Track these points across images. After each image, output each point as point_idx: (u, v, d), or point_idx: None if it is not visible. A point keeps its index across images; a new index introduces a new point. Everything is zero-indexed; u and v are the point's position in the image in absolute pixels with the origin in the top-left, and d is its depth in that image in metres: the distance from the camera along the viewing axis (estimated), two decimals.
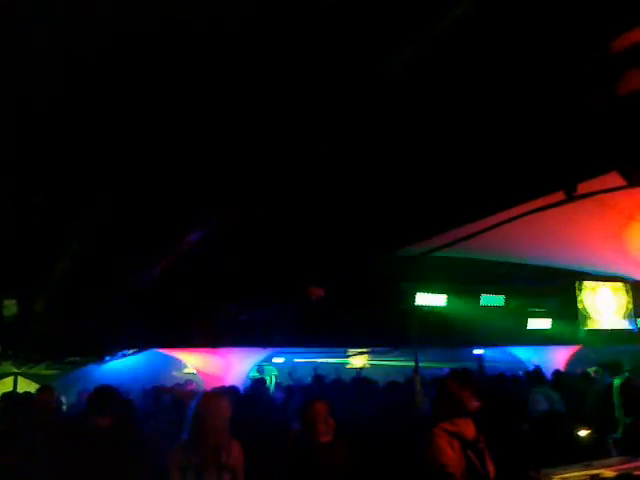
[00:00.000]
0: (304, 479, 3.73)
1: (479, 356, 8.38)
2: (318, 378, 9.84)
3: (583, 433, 4.17)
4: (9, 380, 17.12)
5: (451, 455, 3.54)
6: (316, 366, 15.09)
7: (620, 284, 9.18)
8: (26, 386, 16.43)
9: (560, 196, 3.55)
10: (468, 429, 3.69)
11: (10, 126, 3.47)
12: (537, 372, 8.02)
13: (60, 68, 2.84)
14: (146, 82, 3.06)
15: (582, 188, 3.48)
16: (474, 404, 3.77)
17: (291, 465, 3.80)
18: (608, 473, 3.36)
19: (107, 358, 12.74)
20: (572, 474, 3.41)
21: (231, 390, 6.91)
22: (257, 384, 8.80)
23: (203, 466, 3.33)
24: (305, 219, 5.07)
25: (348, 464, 3.77)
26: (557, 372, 8.89)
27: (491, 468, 3.69)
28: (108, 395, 4.04)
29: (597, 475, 3.35)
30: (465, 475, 3.55)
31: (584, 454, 3.87)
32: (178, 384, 7.81)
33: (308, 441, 3.78)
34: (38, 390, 6.54)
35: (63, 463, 3.62)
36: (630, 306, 9.10)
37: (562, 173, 3.47)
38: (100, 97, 3.19)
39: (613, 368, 7.15)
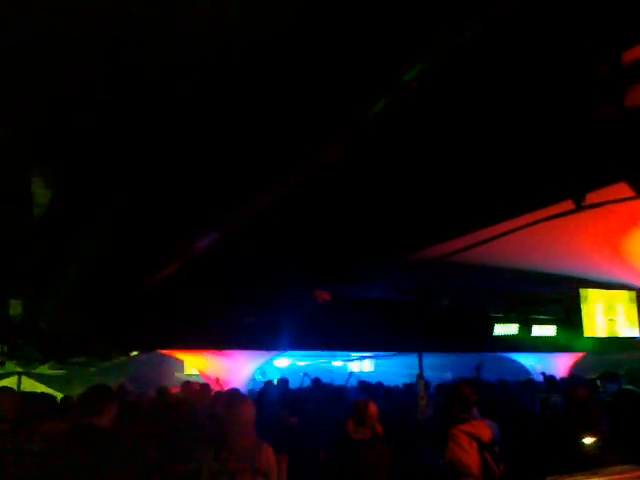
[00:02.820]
0: (351, 472, 4.00)
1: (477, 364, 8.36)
2: (316, 381, 9.87)
3: (589, 440, 4.19)
4: (13, 379, 17.20)
5: (472, 455, 3.67)
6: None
7: (624, 292, 9.18)
8: (29, 386, 16.51)
9: (569, 205, 3.59)
10: (484, 432, 3.80)
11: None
12: (547, 379, 8.08)
13: None
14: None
15: (591, 198, 3.52)
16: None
17: (340, 458, 4.09)
18: None
19: (112, 359, 12.77)
20: None
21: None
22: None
23: (237, 470, 3.34)
24: (314, 222, 5.11)
25: (391, 460, 4.08)
26: (567, 379, 8.97)
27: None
28: (104, 394, 3.96)
29: None
30: (482, 475, 3.66)
31: (590, 461, 3.88)
32: (187, 382, 7.78)
33: (357, 438, 4.08)
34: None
35: (60, 464, 3.47)
36: (635, 314, 9.09)
37: (571, 183, 3.51)
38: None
39: (609, 377, 7.25)
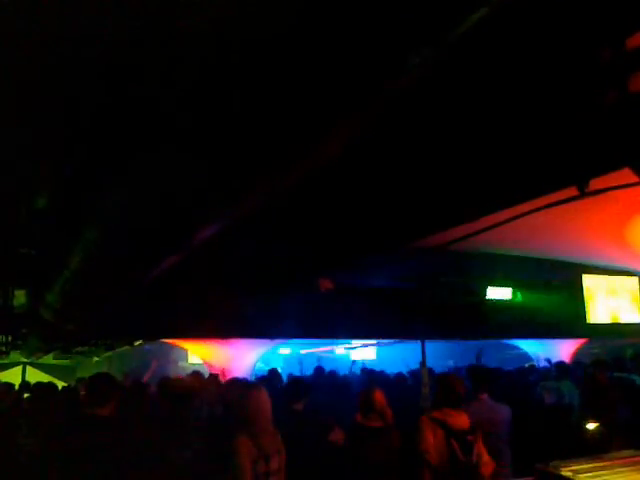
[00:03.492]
0: (364, 459, 4.10)
1: (478, 349, 8.39)
2: (319, 370, 9.91)
3: (592, 426, 4.21)
4: (17, 369, 17.31)
5: (431, 442, 3.65)
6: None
7: (627, 277, 9.20)
8: (34, 375, 16.62)
9: (572, 191, 3.58)
10: (456, 420, 3.77)
11: None
12: (558, 366, 8.15)
13: None
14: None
15: (594, 184, 3.51)
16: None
17: (352, 447, 4.18)
18: (617, 465, 3.39)
19: (115, 348, 12.82)
20: (580, 466, 3.45)
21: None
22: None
23: (271, 454, 3.54)
24: (316, 211, 5.11)
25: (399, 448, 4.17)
26: (575, 364, 9.07)
27: (484, 460, 3.74)
28: (106, 384, 4.01)
29: (606, 467, 3.38)
30: (446, 462, 3.64)
31: (593, 447, 3.91)
32: (197, 371, 7.83)
33: (367, 425, 4.18)
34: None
35: (66, 453, 3.60)
36: (637, 300, 9.11)
37: (575, 169, 3.49)
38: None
39: (600, 365, 7.35)
